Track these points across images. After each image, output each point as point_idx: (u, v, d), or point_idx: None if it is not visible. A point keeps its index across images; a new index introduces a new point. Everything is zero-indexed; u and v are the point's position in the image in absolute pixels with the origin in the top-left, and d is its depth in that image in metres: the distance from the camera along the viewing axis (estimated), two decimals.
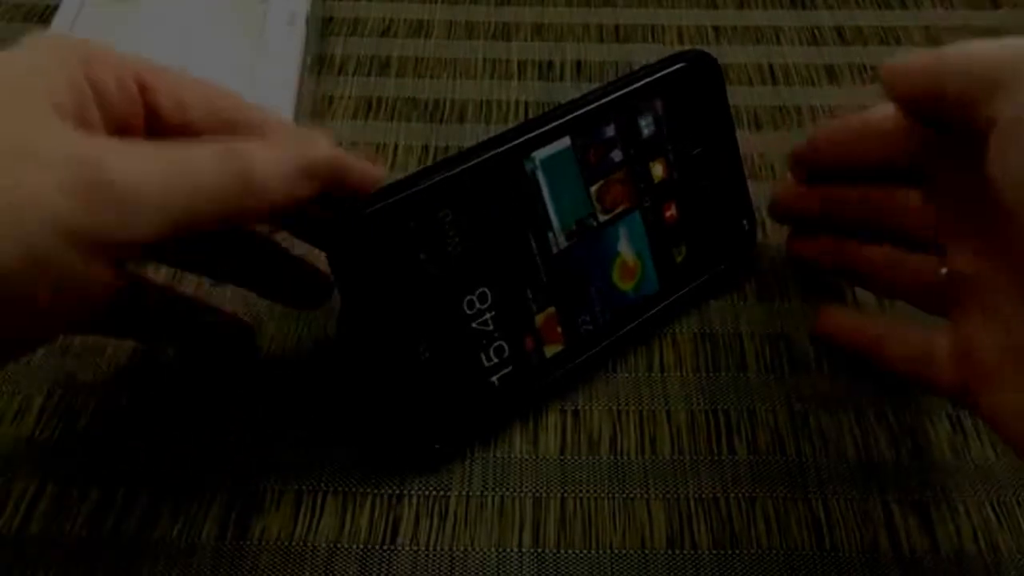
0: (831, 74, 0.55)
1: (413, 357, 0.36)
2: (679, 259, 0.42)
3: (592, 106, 0.38)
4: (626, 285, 0.40)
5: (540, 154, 0.37)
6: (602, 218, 0.39)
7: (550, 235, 0.38)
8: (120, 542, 0.35)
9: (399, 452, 0.38)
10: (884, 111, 0.37)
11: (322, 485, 0.37)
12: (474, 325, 0.36)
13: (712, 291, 0.44)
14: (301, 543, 0.35)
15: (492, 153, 0.36)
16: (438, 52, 0.55)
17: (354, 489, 0.37)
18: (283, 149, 0.29)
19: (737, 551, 0.36)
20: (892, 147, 0.37)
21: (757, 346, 0.42)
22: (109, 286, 0.26)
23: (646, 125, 0.39)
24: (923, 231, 0.37)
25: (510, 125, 0.44)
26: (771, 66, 0.55)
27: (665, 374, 0.41)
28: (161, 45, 0.50)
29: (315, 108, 0.51)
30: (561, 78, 0.54)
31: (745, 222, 0.44)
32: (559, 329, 0.39)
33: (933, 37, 0.57)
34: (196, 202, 0.26)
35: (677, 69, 0.40)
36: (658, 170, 0.40)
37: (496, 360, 0.37)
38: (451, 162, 0.35)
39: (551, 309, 0.38)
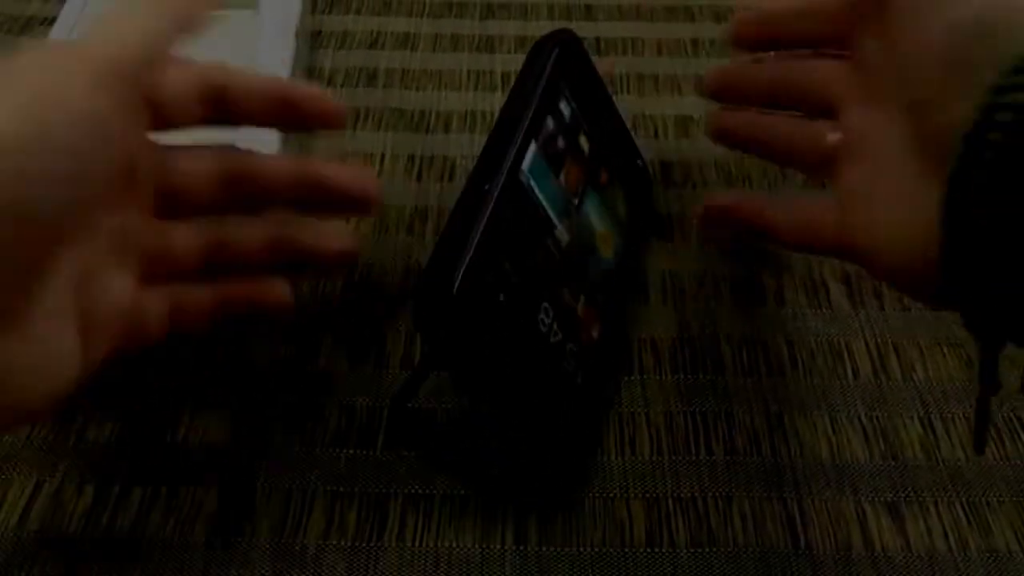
0: None
1: (527, 398, 0.36)
2: (623, 212, 0.44)
3: (536, 106, 0.39)
4: (607, 254, 0.42)
5: (526, 165, 0.37)
6: (575, 201, 0.40)
7: (556, 232, 0.39)
8: (115, 540, 0.36)
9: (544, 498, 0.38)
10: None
11: (311, 485, 0.38)
12: (552, 340, 0.37)
13: (646, 228, 0.47)
14: (291, 541, 0.36)
15: (503, 182, 0.36)
16: (424, 64, 0.56)
17: (342, 489, 0.37)
18: None
19: (714, 549, 0.36)
20: (824, 23, 0.38)
21: (734, 350, 0.43)
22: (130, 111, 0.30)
23: (565, 107, 0.41)
24: (825, 95, 0.38)
25: None
26: None
27: (644, 377, 0.42)
28: None
29: None
30: None
31: (639, 161, 0.47)
32: (593, 311, 0.40)
33: None
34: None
35: (559, 52, 0.41)
36: (584, 143, 0.42)
37: (573, 364, 0.38)
38: (472, 207, 0.35)
39: (582, 297, 0.39)
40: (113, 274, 0.31)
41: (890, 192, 0.33)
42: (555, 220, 0.38)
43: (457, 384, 0.38)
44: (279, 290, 0.35)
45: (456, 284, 0.33)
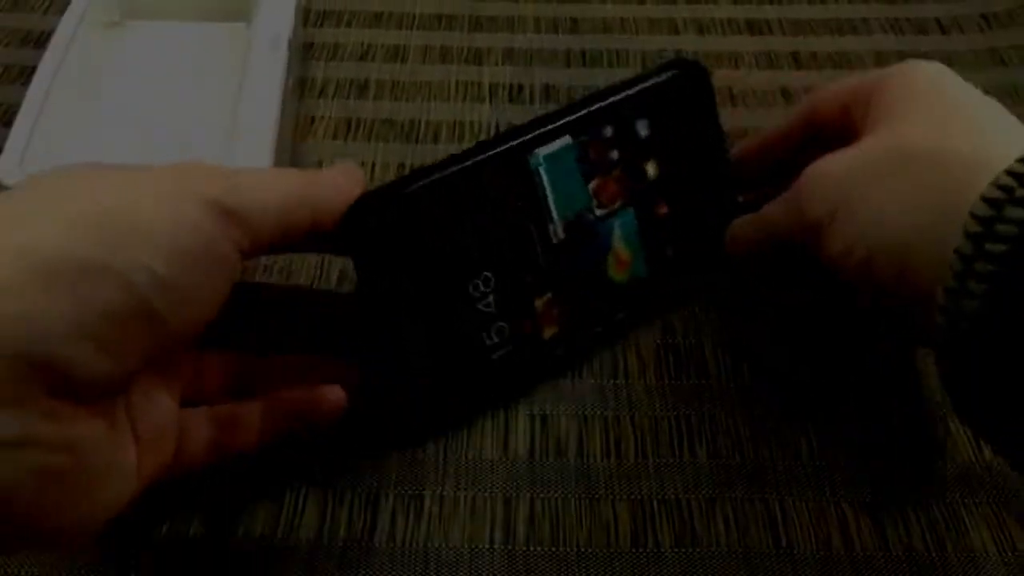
0: (787, 96, 0.56)
1: (420, 332, 0.37)
2: (669, 255, 0.43)
3: (592, 108, 0.40)
4: (619, 276, 0.42)
5: (543, 151, 0.38)
6: (599, 212, 0.40)
7: (550, 226, 0.39)
8: (112, 540, 0.36)
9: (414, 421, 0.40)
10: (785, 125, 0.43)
11: (304, 484, 0.38)
12: (479, 307, 0.38)
13: (696, 291, 0.45)
14: (284, 539, 0.36)
15: (499, 149, 0.38)
16: (414, 76, 0.56)
17: (334, 488, 0.38)
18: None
19: (698, 549, 0.37)
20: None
21: (718, 355, 0.43)
22: (237, 261, 0.30)
23: (642, 127, 0.41)
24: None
25: None
26: (730, 89, 0.56)
27: (629, 381, 0.42)
28: (150, 69, 0.52)
29: (297, 129, 0.53)
30: (531, 101, 0.55)
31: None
32: (555, 313, 0.40)
33: (884, 61, 0.59)
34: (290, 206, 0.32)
35: (670, 76, 0.42)
36: (651, 170, 0.42)
37: (497, 340, 0.39)
38: (462, 156, 0.37)
39: (548, 295, 0.40)
40: (159, 392, 0.31)
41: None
42: (552, 212, 0.39)
43: (360, 283, 0.38)
44: (336, 395, 0.34)
45: (390, 194, 0.36)
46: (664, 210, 0.42)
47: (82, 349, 0.26)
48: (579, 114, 0.40)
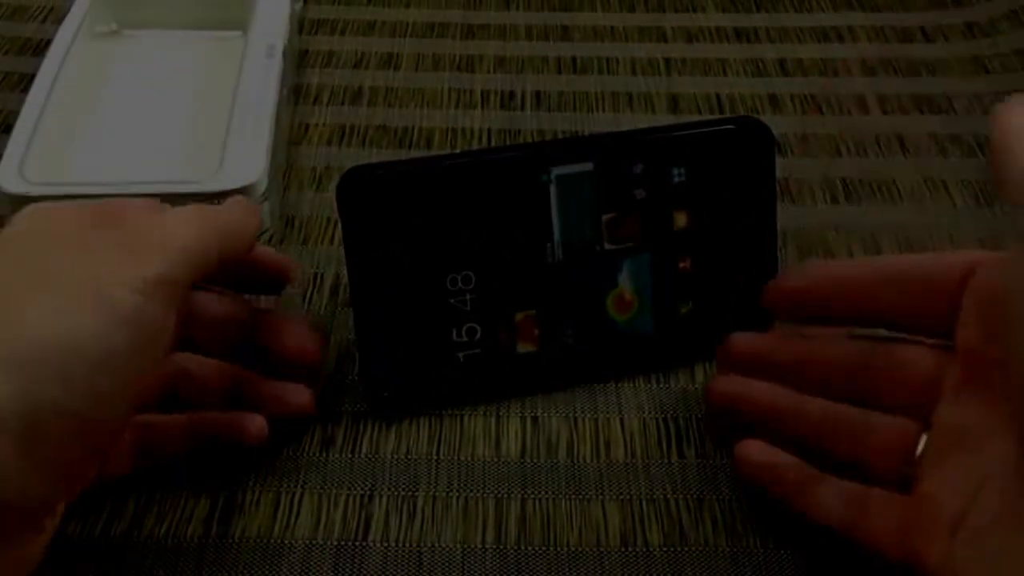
0: (774, 103, 0.57)
1: (392, 311, 0.38)
2: (683, 311, 0.42)
3: (622, 141, 0.39)
4: (619, 316, 0.41)
5: (558, 170, 0.38)
6: (608, 247, 0.40)
7: (548, 246, 0.39)
8: (110, 541, 0.36)
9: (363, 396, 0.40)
10: (904, 261, 0.37)
11: (299, 486, 0.38)
12: (452, 301, 0.39)
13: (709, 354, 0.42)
14: (279, 540, 0.37)
15: (511, 155, 0.38)
16: (407, 83, 0.57)
17: (329, 489, 0.38)
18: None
19: (686, 549, 0.37)
20: (913, 303, 0.34)
21: (704, 359, 0.43)
22: (172, 324, 0.30)
23: (678, 174, 0.40)
24: (914, 395, 0.34)
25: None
26: (718, 96, 0.57)
27: (619, 384, 0.43)
28: (147, 77, 0.53)
29: (292, 135, 0.53)
30: (522, 108, 0.56)
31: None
32: (536, 332, 0.40)
33: (869, 68, 0.59)
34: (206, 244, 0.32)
35: (723, 129, 0.40)
36: (680, 220, 0.40)
37: (466, 339, 0.39)
38: (471, 153, 0.38)
39: (532, 311, 0.40)
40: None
41: (990, 505, 0.29)
42: (555, 233, 0.39)
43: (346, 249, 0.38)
44: (256, 425, 0.37)
45: (386, 170, 0.37)
46: (686, 265, 0.41)
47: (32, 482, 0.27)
48: (605, 143, 0.39)
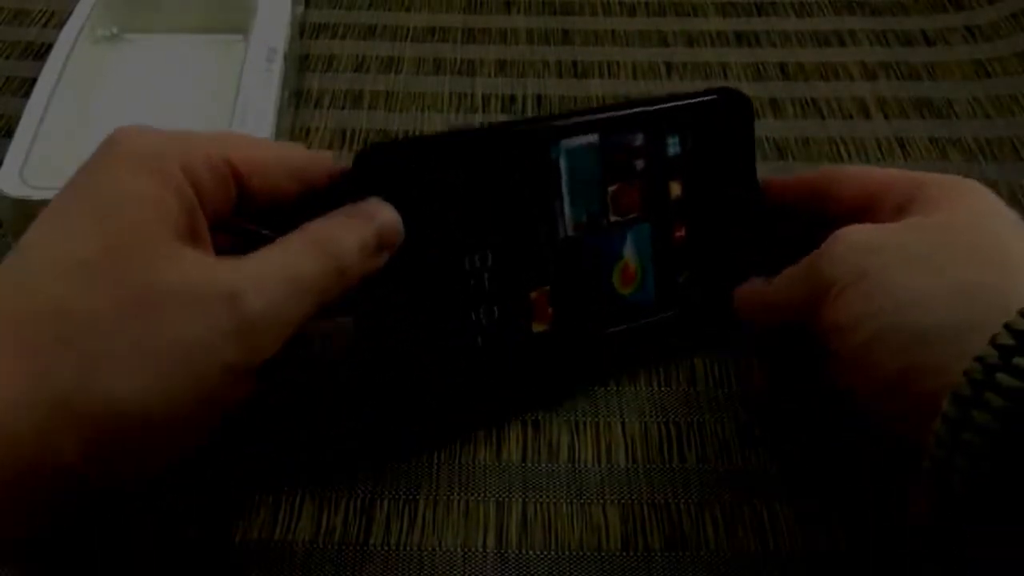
0: (775, 107, 0.57)
1: (411, 296, 0.37)
2: (680, 282, 0.42)
3: (626, 112, 0.39)
4: (624, 289, 0.41)
5: (568, 143, 0.38)
6: (613, 219, 0.40)
7: (560, 220, 0.39)
8: (109, 543, 0.36)
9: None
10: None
11: (300, 489, 0.38)
12: (471, 282, 0.38)
13: (706, 337, 0.44)
14: (280, 543, 0.37)
15: (522, 130, 0.38)
16: (408, 87, 0.57)
17: (330, 493, 0.38)
18: (360, 224, 0.33)
19: (687, 553, 0.37)
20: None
21: (706, 363, 0.44)
22: (250, 393, 0.31)
23: (672, 144, 0.40)
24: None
25: None
26: None
27: (620, 388, 0.43)
28: (149, 81, 0.53)
29: (293, 139, 0.53)
30: (523, 111, 0.56)
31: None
32: (549, 309, 0.40)
33: (870, 72, 0.59)
34: (307, 307, 0.30)
35: (710, 100, 0.41)
36: (675, 189, 0.41)
37: (485, 321, 0.38)
38: (482, 129, 0.37)
39: (546, 287, 0.39)
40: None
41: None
42: (565, 206, 0.39)
43: None
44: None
45: (399, 144, 0.36)
46: (681, 234, 0.41)
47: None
48: (611, 115, 0.39)
